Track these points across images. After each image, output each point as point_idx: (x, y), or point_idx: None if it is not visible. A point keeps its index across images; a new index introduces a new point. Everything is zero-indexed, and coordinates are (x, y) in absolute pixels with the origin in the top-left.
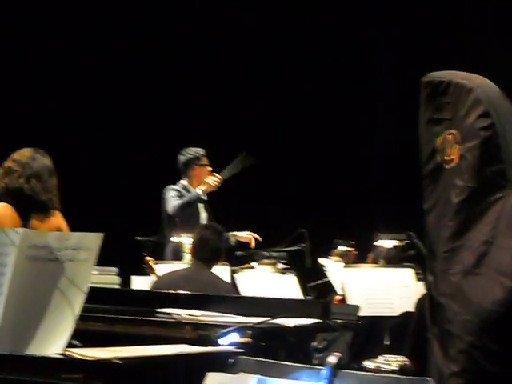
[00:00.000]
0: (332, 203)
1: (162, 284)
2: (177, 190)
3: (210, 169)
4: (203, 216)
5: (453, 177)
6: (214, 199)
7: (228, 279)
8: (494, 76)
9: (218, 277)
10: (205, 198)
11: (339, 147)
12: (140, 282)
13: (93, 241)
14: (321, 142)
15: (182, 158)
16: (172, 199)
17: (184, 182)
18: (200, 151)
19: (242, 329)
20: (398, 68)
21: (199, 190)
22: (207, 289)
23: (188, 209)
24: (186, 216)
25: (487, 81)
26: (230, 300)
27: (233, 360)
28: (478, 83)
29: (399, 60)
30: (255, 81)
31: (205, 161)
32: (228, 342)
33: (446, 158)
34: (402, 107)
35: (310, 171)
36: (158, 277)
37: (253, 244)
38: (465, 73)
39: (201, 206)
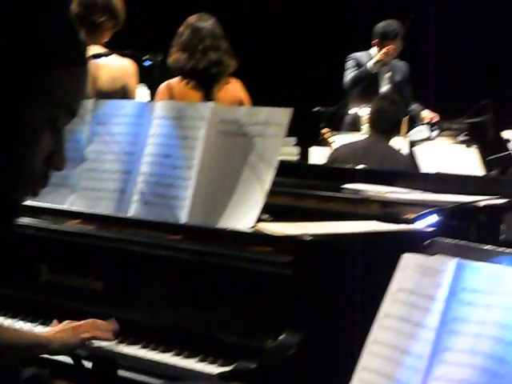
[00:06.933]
0: None
1: (339, 156)
2: (355, 61)
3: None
4: (385, 88)
5: None
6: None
7: (406, 151)
8: None
9: (395, 149)
10: (376, 70)
11: None
12: (318, 153)
13: (282, 116)
14: None
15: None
16: (347, 71)
17: (372, 50)
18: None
19: (440, 210)
20: None
21: (370, 63)
22: (385, 161)
23: (360, 84)
24: (364, 87)
25: None
26: (416, 176)
27: (429, 241)
28: None
29: None
30: None
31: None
32: (425, 223)
33: None
34: None
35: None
36: (332, 149)
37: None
38: None
39: (385, 77)
